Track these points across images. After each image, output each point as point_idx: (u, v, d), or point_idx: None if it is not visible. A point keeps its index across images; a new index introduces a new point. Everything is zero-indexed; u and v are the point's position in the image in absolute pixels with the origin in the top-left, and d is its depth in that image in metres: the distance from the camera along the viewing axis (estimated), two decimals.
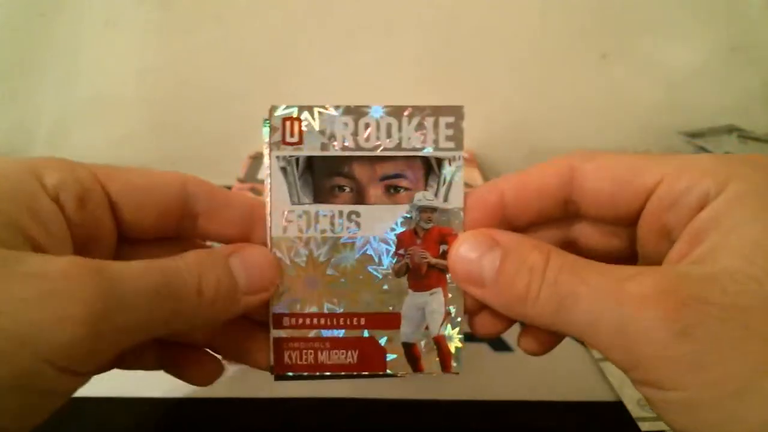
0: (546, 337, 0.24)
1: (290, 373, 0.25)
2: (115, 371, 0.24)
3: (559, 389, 0.33)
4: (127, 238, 0.24)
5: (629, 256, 0.25)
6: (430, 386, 0.33)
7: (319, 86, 0.60)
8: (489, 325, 0.25)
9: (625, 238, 0.24)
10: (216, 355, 0.27)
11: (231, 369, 0.34)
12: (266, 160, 0.24)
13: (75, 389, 0.20)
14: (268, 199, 0.25)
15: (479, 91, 0.61)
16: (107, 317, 0.19)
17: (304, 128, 0.24)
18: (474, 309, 0.25)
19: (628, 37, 0.59)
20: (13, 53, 0.59)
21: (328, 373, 0.25)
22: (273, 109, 0.24)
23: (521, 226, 0.24)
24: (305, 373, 0.25)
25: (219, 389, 0.33)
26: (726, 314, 0.18)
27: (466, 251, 0.23)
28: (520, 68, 0.60)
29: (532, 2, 0.58)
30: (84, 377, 0.20)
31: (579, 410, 0.32)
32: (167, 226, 0.24)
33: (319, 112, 0.24)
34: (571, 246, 0.25)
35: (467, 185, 0.54)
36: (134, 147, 0.62)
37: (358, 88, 0.60)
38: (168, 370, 0.26)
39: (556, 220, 0.25)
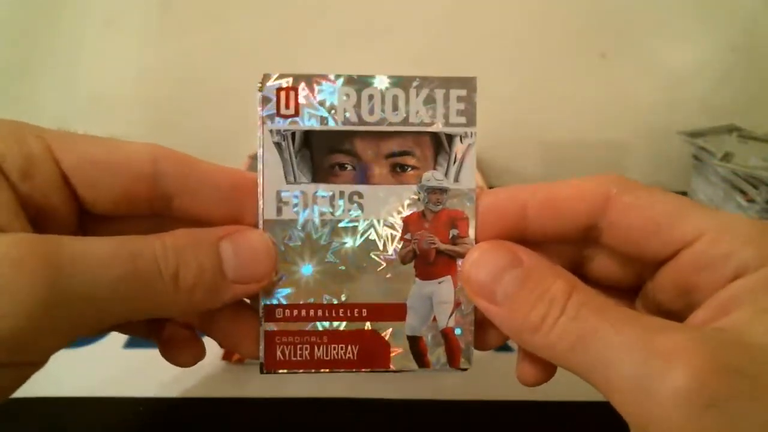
0: (546, 369, 0.23)
1: (283, 370, 0.23)
2: (110, 370, 0.24)
3: (559, 389, 0.33)
4: (93, 213, 0.22)
5: (630, 291, 0.24)
6: (430, 386, 0.33)
7: None
8: (493, 342, 0.24)
9: (636, 274, 0.23)
10: (200, 338, 0.25)
11: (227, 368, 0.34)
12: (259, 134, 0.22)
13: (26, 377, 0.18)
14: (260, 178, 0.22)
15: (478, 90, 0.61)
16: (56, 307, 0.17)
17: (301, 100, 0.22)
18: (484, 322, 0.23)
19: (628, 36, 0.59)
20: (13, 53, 0.60)
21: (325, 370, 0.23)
22: (266, 77, 0.22)
23: (534, 242, 0.22)
24: (300, 370, 0.23)
25: (215, 389, 0.33)
26: (758, 393, 0.16)
27: (485, 262, 0.21)
28: (520, 68, 0.61)
29: (533, 2, 0.58)
30: (34, 366, 0.18)
31: (579, 410, 0.32)
32: (136, 205, 0.22)
33: (318, 82, 0.22)
34: (576, 267, 0.24)
35: None
36: None
37: None
38: (155, 341, 0.25)
39: (573, 241, 0.23)
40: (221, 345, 0.25)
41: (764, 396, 0.16)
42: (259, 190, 0.22)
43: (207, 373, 0.34)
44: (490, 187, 0.56)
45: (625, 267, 0.23)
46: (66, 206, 0.21)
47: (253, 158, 0.56)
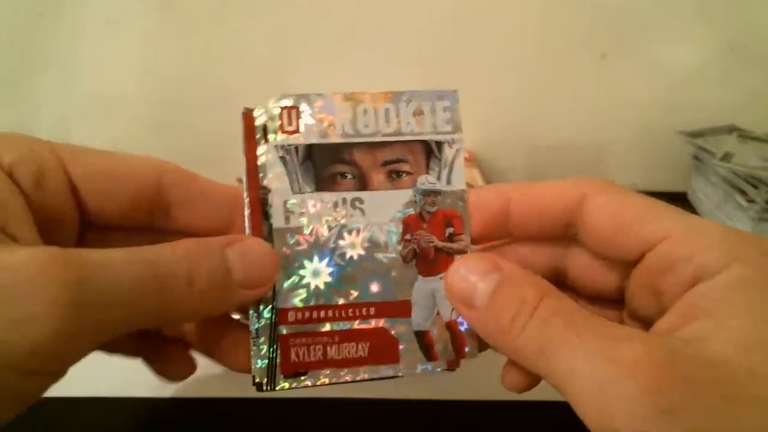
0: (531, 374, 0.23)
1: (278, 387, 0.23)
2: (111, 370, 0.24)
3: None
4: (94, 225, 0.23)
5: (617, 295, 0.24)
6: (430, 386, 0.33)
7: (319, 86, 0.60)
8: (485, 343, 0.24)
9: (617, 277, 0.24)
10: (190, 354, 0.26)
11: (227, 368, 0.34)
12: (261, 150, 0.24)
13: (47, 387, 0.19)
14: (245, 190, 0.24)
15: (479, 90, 0.61)
16: (80, 316, 0.17)
17: (302, 117, 0.24)
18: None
19: (628, 37, 0.59)
20: (13, 53, 0.60)
21: (327, 381, 0.24)
22: (270, 99, 0.24)
23: (519, 238, 0.24)
24: (299, 385, 0.23)
25: (215, 389, 0.33)
26: (715, 402, 0.16)
27: (466, 270, 0.22)
28: (520, 68, 0.60)
29: (533, 2, 0.58)
30: (57, 375, 0.19)
31: None
32: (138, 215, 0.23)
33: (317, 101, 0.24)
34: (562, 271, 0.25)
35: (467, 185, 0.54)
36: (134, 147, 0.62)
37: (358, 88, 0.60)
38: (145, 360, 0.25)
39: (555, 239, 0.24)
40: (212, 359, 0.26)
41: (719, 406, 0.16)
42: (245, 200, 0.24)
43: (207, 373, 0.34)
44: None
45: (605, 272, 0.24)
46: (71, 217, 0.22)
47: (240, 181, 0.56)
